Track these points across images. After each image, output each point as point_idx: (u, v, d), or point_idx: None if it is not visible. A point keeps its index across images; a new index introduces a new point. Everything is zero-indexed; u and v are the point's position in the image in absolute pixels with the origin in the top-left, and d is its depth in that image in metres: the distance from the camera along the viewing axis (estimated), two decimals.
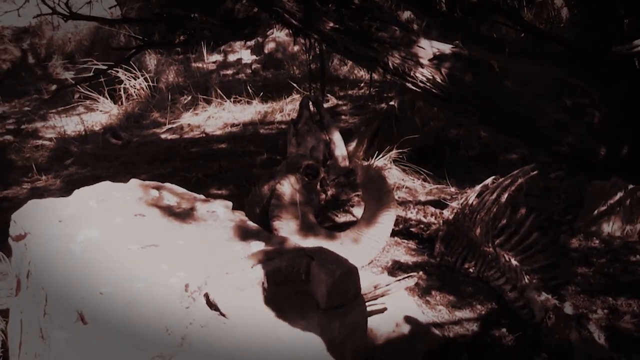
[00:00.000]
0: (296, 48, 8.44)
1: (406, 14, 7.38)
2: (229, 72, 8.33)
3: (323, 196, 3.62)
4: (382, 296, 2.62)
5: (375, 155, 4.68)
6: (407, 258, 3.49)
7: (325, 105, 6.32)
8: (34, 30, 9.30)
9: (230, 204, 2.82)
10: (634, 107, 4.13)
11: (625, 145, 4.20)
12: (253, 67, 8.43)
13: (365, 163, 4.44)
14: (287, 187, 3.43)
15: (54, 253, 2.31)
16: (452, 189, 4.40)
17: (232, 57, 8.81)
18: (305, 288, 2.29)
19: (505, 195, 3.35)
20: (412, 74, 4.37)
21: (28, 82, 8.36)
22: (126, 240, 2.39)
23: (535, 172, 3.55)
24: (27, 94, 7.93)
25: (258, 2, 4.66)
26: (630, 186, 3.58)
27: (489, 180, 3.57)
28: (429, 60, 4.39)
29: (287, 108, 6.47)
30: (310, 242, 3.19)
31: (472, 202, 3.42)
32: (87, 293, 2.15)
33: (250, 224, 2.69)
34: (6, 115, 7.09)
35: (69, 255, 2.29)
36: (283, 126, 5.99)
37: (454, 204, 3.58)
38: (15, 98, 7.78)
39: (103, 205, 2.63)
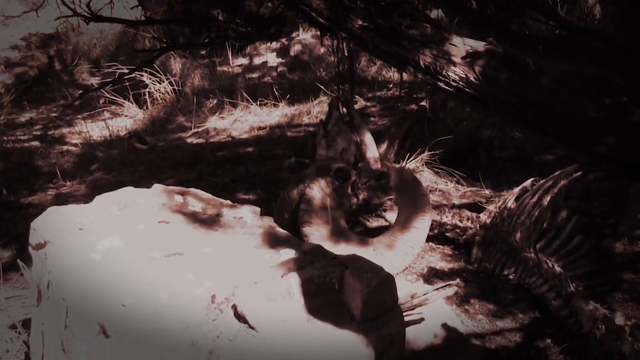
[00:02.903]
0: (322, 50, 8.33)
1: (435, 13, 7.23)
2: (255, 75, 8.25)
3: (354, 200, 3.47)
4: (419, 306, 2.47)
5: (407, 157, 4.53)
6: (443, 264, 3.34)
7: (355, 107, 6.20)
8: (60, 36, 9.31)
9: (258, 209, 2.69)
10: None
11: None
12: (279, 69, 8.34)
13: (398, 165, 4.29)
14: (317, 191, 3.29)
15: (74, 263, 2.20)
16: (487, 192, 4.23)
17: (257, 60, 8.73)
18: (340, 298, 2.15)
19: (548, 198, 3.18)
20: (444, 73, 4.22)
21: (55, 88, 8.35)
22: (149, 249, 2.27)
23: (579, 174, 3.37)
24: (54, 100, 7.92)
25: (284, 1, 4.56)
26: None
27: (527, 182, 3.41)
28: (462, 58, 4.24)
29: (315, 110, 6.35)
30: (342, 249, 3.05)
31: (511, 206, 3.26)
32: (109, 305, 2.04)
33: (280, 230, 2.56)
34: (34, 122, 7.07)
35: (89, 265, 2.18)
36: (311, 128, 5.87)
37: (491, 208, 3.42)
38: (42, 104, 7.78)
39: (125, 212, 2.52)
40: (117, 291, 2.07)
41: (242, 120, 6.38)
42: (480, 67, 4.26)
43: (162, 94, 6.86)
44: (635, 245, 3.39)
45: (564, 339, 2.69)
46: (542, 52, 4.00)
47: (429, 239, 3.46)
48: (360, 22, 4.28)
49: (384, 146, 4.71)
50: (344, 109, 3.73)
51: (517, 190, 3.39)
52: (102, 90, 5.88)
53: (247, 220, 2.61)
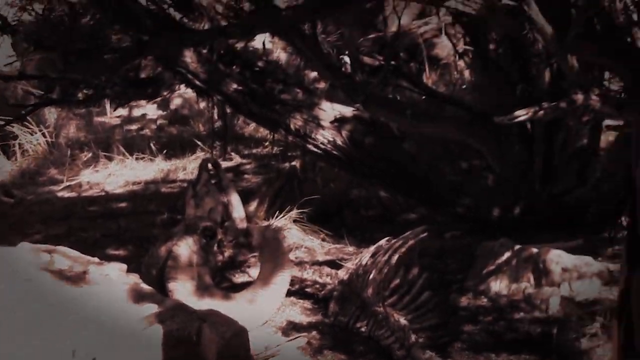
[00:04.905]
0: (202, 105, 8.47)
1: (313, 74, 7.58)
2: (133, 127, 8.23)
3: (220, 257, 3.66)
4: (272, 356, 2.66)
5: (276, 215, 4.74)
6: (302, 318, 3.55)
7: (229, 164, 6.38)
8: None
9: (125, 266, 2.82)
10: (526, 170, 4.41)
11: (517, 206, 4.46)
12: (158, 122, 8.38)
13: (264, 224, 4.51)
14: (184, 248, 3.45)
15: None
16: (351, 249, 4.48)
17: (137, 112, 8.71)
18: (197, 350, 2.31)
19: (396, 257, 3.48)
20: (313, 136, 4.53)
21: None
22: (12, 310, 2.34)
23: (425, 234, 3.69)
24: None
25: (162, 62, 4.72)
26: (517, 246, 3.75)
27: (383, 242, 3.69)
28: (331, 122, 4.57)
29: (191, 166, 6.46)
30: (206, 304, 3.20)
31: (366, 263, 3.54)
32: None
33: (144, 286, 2.70)
34: None
35: None
36: (186, 184, 5.98)
37: (349, 265, 3.68)
38: None
39: None
40: None
41: (117, 175, 6.39)
42: (348, 131, 4.61)
43: (34, 145, 6.75)
44: (478, 299, 3.73)
45: None
46: (409, 117, 4.38)
47: (291, 293, 3.67)
48: (235, 86, 4.54)
49: (254, 204, 4.92)
50: (214, 170, 3.92)
51: (372, 248, 3.67)
52: None
53: (113, 277, 2.72)
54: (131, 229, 4.93)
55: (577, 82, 3.67)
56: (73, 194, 5.94)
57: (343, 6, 4.24)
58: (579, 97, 3.52)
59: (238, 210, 3.76)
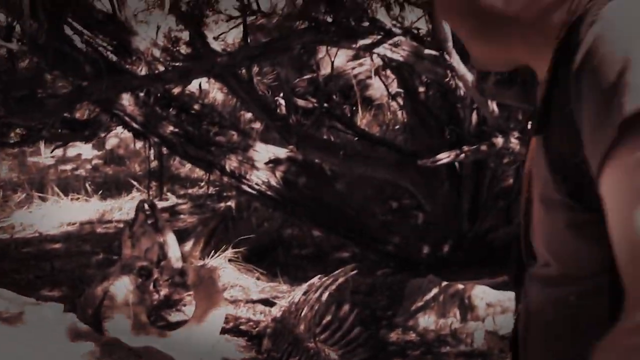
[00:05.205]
0: (138, 145, 8.50)
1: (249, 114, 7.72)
2: (68, 167, 8.20)
3: (156, 296, 3.73)
4: None
5: (211, 254, 4.83)
6: (236, 355, 3.64)
7: (165, 204, 6.44)
8: None
9: (61, 306, 2.87)
10: (454, 209, 4.63)
11: (445, 244, 4.67)
12: (93, 162, 8.37)
13: (199, 263, 4.60)
14: (121, 287, 3.52)
15: None
16: (285, 287, 4.60)
17: (71, 152, 8.67)
18: None
19: (327, 294, 3.63)
20: (248, 177, 4.67)
21: None
22: None
23: (356, 272, 3.86)
24: None
25: (99, 104, 4.79)
26: (444, 282, 3.91)
27: (315, 279, 3.84)
28: (265, 163, 4.72)
29: (127, 206, 6.49)
30: (142, 341, 3.27)
31: (298, 300, 3.67)
32: None
33: (81, 325, 2.76)
34: None
35: None
36: (121, 225, 6.01)
37: (282, 302, 3.81)
38: None
39: None
40: None
41: (52, 216, 6.37)
42: (282, 172, 4.76)
43: None
44: (407, 334, 3.89)
45: None
46: (342, 158, 4.56)
47: (226, 331, 3.77)
48: (171, 128, 4.64)
49: (190, 243, 5.00)
50: (150, 212, 4.02)
51: (304, 286, 3.81)
52: None
53: (49, 317, 2.78)
54: (65, 269, 4.93)
55: (497, 126, 3.95)
56: (5, 236, 5.89)
57: (279, 53, 4.44)
58: (499, 140, 3.80)
59: (174, 250, 3.86)
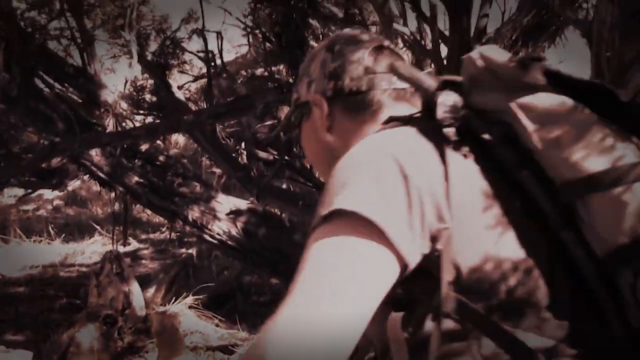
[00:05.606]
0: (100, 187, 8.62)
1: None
2: (29, 207, 8.26)
3: (120, 343, 3.91)
4: None
5: (172, 300, 5.00)
6: None
7: (127, 249, 6.59)
8: None
9: (30, 353, 3.05)
10: None
11: None
12: (55, 203, 8.45)
13: (161, 309, 4.78)
14: (86, 335, 3.70)
15: None
16: (244, 334, 4.77)
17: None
18: None
19: None
20: (209, 227, 4.88)
21: None
22: None
23: None
24: None
25: (67, 155, 4.98)
26: None
27: None
28: (226, 214, 4.94)
29: (89, 250, 6.62)
30: None
31: None
32: None
33: None
34: None
35: None
36: (84, 269, 6.13)
37: (241, 350, 4.02)
38: None
39: None
40: None
41: (14, 258, 6.44)
42: (242, 223, 4.98)
43: None
44: None
45: None
46: (300, 207, 4.80)
47: None
48: (136, 179, 4.85)
49: (152, 290, 5.17)
50: (116, 262, 4.21)
51: None
52: None
53: None
54: (30, 313, 5.02)
55: None
56: None
57: (244, 112, 4.72)
58: None
59: (138, 299, 4.06)
